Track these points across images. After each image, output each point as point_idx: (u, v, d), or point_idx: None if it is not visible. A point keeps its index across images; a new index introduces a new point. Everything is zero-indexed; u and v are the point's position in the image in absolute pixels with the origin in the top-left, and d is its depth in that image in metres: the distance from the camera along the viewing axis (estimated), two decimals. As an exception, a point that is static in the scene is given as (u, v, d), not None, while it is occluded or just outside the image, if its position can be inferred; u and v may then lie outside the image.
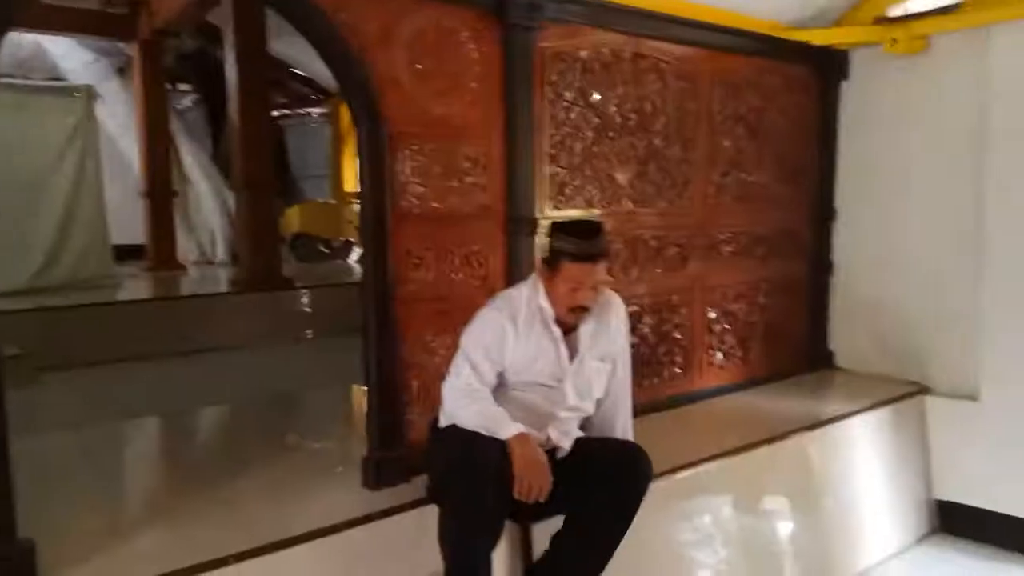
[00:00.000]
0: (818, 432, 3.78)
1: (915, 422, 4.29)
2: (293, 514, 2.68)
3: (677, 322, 4.10)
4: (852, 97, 4.69)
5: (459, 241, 3.12)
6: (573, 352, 2.55)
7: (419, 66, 2.95)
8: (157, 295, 7.56)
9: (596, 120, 3.61)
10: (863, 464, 3.98)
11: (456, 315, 2.91)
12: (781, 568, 3.49)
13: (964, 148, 4.17)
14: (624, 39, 3.68)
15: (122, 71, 9.36)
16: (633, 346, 3.79)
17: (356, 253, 10.55)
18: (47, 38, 9.05)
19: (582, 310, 2.47)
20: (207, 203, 9.87)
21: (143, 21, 8.22)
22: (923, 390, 4.37)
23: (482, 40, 3.13)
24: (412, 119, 2.94)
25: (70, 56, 9.29)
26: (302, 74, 11.72)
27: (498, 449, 2.33)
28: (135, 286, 7.80)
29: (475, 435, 2.38)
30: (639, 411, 2.95)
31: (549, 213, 3.40)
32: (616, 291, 2.74)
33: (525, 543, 2.56)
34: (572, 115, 3.52)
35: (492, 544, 2.33)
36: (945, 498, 4.28)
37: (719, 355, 4.34)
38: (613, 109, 3.68)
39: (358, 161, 2.89)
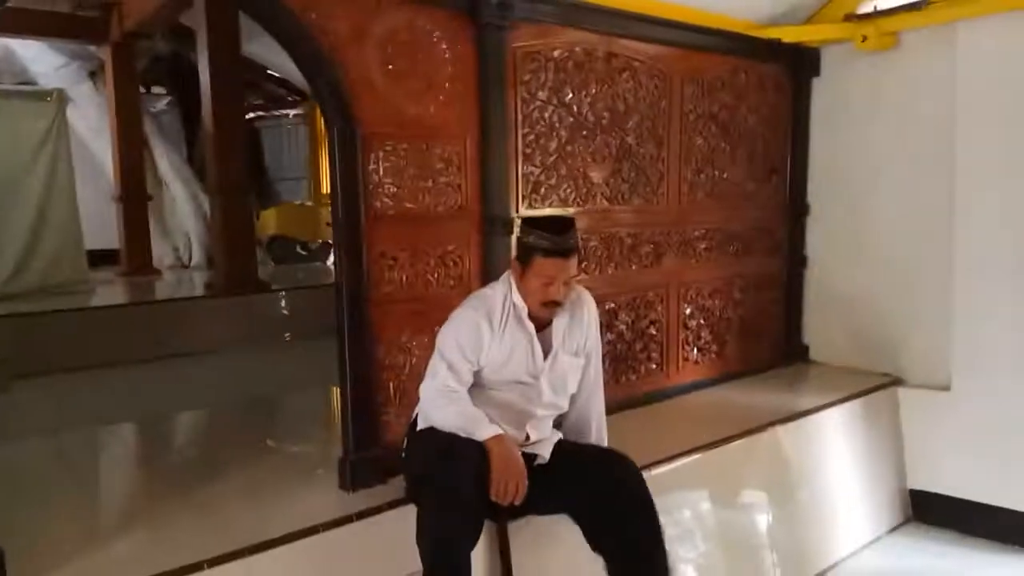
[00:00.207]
0: (793, 425, 3.82)
1: (888, 413, 4.35)
2: (269, 517, 2.67)
3: (653, 319, 4.13)
4: (824, 94, 4.75)
5: (434, 241, 3.11)
6: (547, 348, 2.57)
7: (391, 66, 2.94)
8: (132, 300, 7.45)
9: (570, 119, 3.63)
10: (838, 455, 4.03)
11: (432, 315, 2.93)
12: (758, 559, 3.52)
13: (934, 143, 4.23)
14: (597, 38, 3.70)
15: (94, 74, 9.22)
16: (609, 343, 3.84)
17: (334, 255, 10.50)
18: (17, 42, 8.92)
19: (555, 305, 2.49)
20: (182, 207, 9.77)
21: (114, 24, 8.11)
22: (896, 381, 4.43)
23: (455, 40, 3.12)
24: (385, 119, 2.94)
25: (41, 60, 9.15)
26: (277, 75, 11.63)
27: (476, 449, 2.34)
28: (109, 291, 7.71)
29: (453, 435, 2.39)
30: (615, 408, 2.96)
31: (524, 212, 3.41)
32: (592, 288, 2.76)
33: (503, 542, 2.57)
34: (546, 114, 3.53)
35: (471, 543, 2.34)
36: (918, 487, 4.34)
37: (695, 351, 4.38)
38: (587, 108, 3.69)
39: (330, 162, 2.88)
